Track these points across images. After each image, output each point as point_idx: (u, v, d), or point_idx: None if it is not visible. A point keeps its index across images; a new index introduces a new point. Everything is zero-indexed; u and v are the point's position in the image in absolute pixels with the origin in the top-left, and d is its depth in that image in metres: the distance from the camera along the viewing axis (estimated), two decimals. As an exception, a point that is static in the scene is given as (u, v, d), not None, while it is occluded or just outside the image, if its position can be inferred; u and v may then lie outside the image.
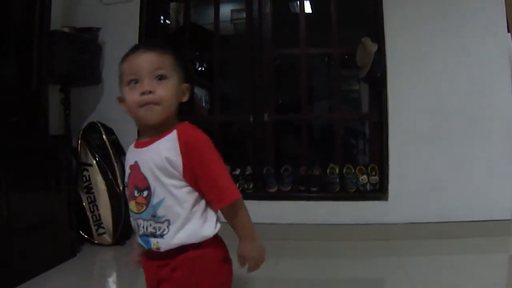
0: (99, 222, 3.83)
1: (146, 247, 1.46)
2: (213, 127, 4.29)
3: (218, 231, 1.46)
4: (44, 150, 3.32)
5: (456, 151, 3.85)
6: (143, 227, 1.44)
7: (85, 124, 4.01)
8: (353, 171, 4.10)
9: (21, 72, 3.29)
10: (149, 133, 1.46)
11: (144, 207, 1.42)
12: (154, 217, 1.40)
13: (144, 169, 1.41)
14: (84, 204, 3.85)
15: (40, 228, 3.16)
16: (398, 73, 3.90)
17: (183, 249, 1.41)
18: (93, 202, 3.85)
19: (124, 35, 4.11)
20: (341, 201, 3.98)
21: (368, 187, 4.01)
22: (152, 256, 1.47)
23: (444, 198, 3.85)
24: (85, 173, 3.87)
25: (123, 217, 3.83)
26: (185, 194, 1.40)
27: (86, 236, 3.85)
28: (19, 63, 3.27)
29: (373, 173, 4.03)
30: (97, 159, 3.87)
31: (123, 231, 3.86)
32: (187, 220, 1.39)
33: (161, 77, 1.43)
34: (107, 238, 3.83)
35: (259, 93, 4.23)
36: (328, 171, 4.11)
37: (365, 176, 4.02)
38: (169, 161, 1.37)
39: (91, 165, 3.87)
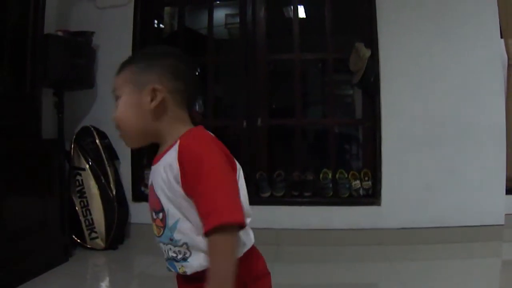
0: (92, 227, 3.82)
1: (174, 271, 1.30)
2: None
3: (248, 248, 1.29)
4: (37, 154, 3.31)
5: (449, 156, 3.86)
6: (165, 251, 1.29)
7: (78, 128, 4.01)
8: (346, 176, 4.10)
9: (14, 76, 3.28)
10: (160, 148, 1.33)
11: (162, 230, 1.27)
12: (171, 240, 1.24)
13: (156, 189, 1.27)
14: (77, 208, 3.84)
15: (33, 232, 3.15)
16: (391, 78, 3.91)
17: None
18: (86, 206, 3.84)
19: (118, 39, 4.12)
20: (334, 206, 3.98)
21: (361, 192, 4.01)
22: (185, 280, 1.30)
23: (437, 204, 3.86)
24: (78, 177, 3.86)
25: (115, 221, 3.83)
26: (197, 216, 1.19)
27: (78, 241, 3.83)
28: (13, 66, 3.26)
29: (366, 178, 4.04)
30: (90, 163, 3.87)
31: (116, 236, 3.86)
32: (205, 243, 1.17)
33: (116, 99, 1.33)
34: (100, 243, 3.82)
35: (252, 97, 4.24)
36: (321, 176, 4.11)
37: (358, 181, 4.02)
38: (173, 175, 1.20)
39: (84, 169, 3.86)
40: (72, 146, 3.92)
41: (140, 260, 3.83)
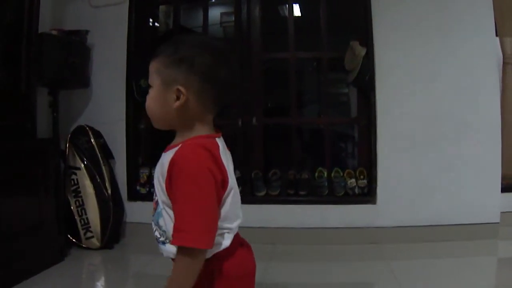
0: (87, 226, 3.81)
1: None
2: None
3: (223, 249, 1.30)
4: (32, 154, 3.30)
5: (444, 154, 3.87)
6: (154, 229, 1.35)
7: (73, 127, 4.00)
8: (342, 174, 4.10)
9: (9, 75, 3.27)
10: (175, 138, 1.35)
11: (153, 212, 1.34)
12: (157, 224, 1.31)
13: (155, 175, 1.32)
14: (72, 208, 3.83)
15: (28, 232, 3.15)
16: (387, 77, 3.92)
17: None
18: (81, 205, 3.83)
19: (113, 38, 4.11)
20: (330, 205, 3.98)
21: (356, 190, 4.01)
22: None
23: (432, 202, 3.86)
24: (73, 176, 3.86)
25: (111, 221, 3.83)
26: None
27: (74, 240, 3.83)
28: (7, 66, 3.25)
29: (362, 176, 4.04)
30: (85, 162, 3.86)
31: (111, 235, 3.85)
32: None
33: (149, 86, 1.33)
34: (95, 242, 3.81)
35: (247, 96, 4.23)
36: (316, 174, 4.11)
37: (353, 180, 4.02)
38: (162, 173, 1.26)
39: (79, 168, 3.86)
40: (67, 145, 3.91)
41: (135, 259, 3.82)
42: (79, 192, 3.84)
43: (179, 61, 1.26)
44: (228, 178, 1.28)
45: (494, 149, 3.86)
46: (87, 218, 3.82)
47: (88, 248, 3.81)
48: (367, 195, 3.99)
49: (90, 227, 3.81)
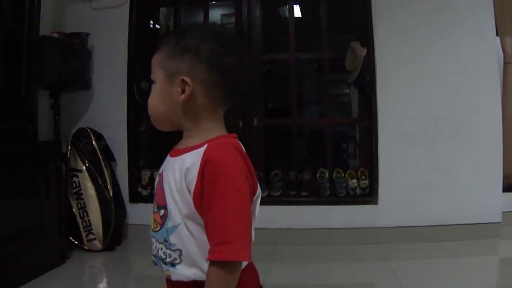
0: (89, 228, 3.82)
1: (159, 268, 1.21)
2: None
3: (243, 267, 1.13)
4: (33, 156, 3.31)
5: (446, 155, 3.87)
6: (155, 247, 1.19)
7: (74, 130, 4.00)
8: (343, 175, 4.10)
9: (10, 78, 3.27)
10: (184, 141, 1.21)
11: (159, 227, 1.17)
12: (165, 241, 1.15)
13: (165, 184, 1.16)
14: (74, 210, 3.84)
15: (30, 234, 3.15)
16: (387, 77, 3.91)
17: (197, 284, 1.13)
18: (83, 208, 3.84)
19: (114, 40, 4.11)
20: (331, 206, 3.98)
21: (358, 191, 4.01)
22: (170, 282, 1.20)
23: (433, 202, 3.86)
24: (74, 179, 3.86)
25: (113, 223, 3.83)
26: (202, 231, 1.11)
27: (76, 242, 3.83)
28: (8, 68, 3.26)
29: (363, 177, 4.04)
30: (87, 164, 3.87)
31: (113, 237, 3.86)
32: (202, 258, 1.11)
33: (151, 82, 1.21)
34: (97, 244, 3.81)
35: (248, 98, 4.23)
36: (318, 175, 4.10)
37: (355, 180, 4.02)
38: (187, 182, 1.10)
39: (80, 170, 3.86)
40: (69, 147, 3.92)
41: (137, 261, 3.82)
42: (81, 194, 3.85)
43: (182, 49, 1.14)
44: (256, 179, 1.16)
45: (495, 149, 3.85)
46: (89, 220, 3.82)
47: (90, 250, 3.81)
48: (369, 195, 3.98)
49: (92, 229, 3.82)
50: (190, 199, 1.10)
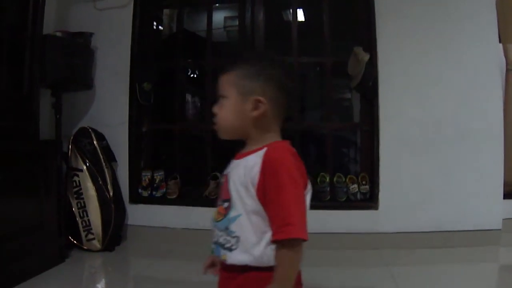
0: (88, 228, 3.81)
1: (216, 254, 1.46)
2: (204, 135, 4.27)
3: None
4: (34, 155, 3.31)
5: (447, 161, 3.87)
6: (216, 234, 1.44)
7: (76, 129, 4.00)
8: (344, 180, 4.09)
9: (12, 76, 3.28)
10: (246, 147, 1.46)
11: (222, 217, 1.41)
12: (227, 229, 1.39)
13: (230, 181, 1.41)
14: (73, 209, 3.83)
15: (29, 233, 3.15)
16: (390, 82, 3.91)
17: (246, 268, 1.36)
18: (82, 207, 3.83)
19: (117, 40, 4.12)
20: (332, 210, 3.97)
21: (358, 196, 4.01)
22: (223, 266, 1.45)
23: (434, 208, 3.86)
24: (75, 178, 3.86)
25: (112, 223, 3.83)
26: (260, 220, 1.35)
27: (75, 242, 3.83)
28: (11, 67, 3.26)
29: (364, 182, 4.03)
30: (88, 164, 3.86)
31: (113, 237, 3.85)
32: (255, 245, 1.35)
33: (222, 97, 1.45)
34: (97, 244, 3.81)
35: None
36: (318, 180, 4.10)
37: (355, 185, 4.02)
38: (251, 177, 1.35)
39: (81, 170, 3.86)
40: (70, 147, 3.92)
41: (136, 262, 3.81)
42: (81, 194, 3.84)
43: (255, 73, 1.40)
44: (306, 176, 1.43)
45: (497, 155, 3.85)
46: (88, 220, 3.82)
47: (89, 250, 3.81)
48: (369, 200, 3.98)
49: (91, 229, 3.81)
50: (253, 191, 1.34)
